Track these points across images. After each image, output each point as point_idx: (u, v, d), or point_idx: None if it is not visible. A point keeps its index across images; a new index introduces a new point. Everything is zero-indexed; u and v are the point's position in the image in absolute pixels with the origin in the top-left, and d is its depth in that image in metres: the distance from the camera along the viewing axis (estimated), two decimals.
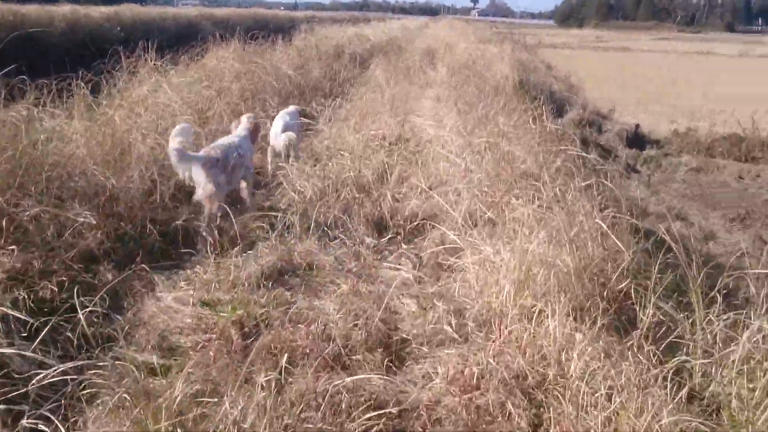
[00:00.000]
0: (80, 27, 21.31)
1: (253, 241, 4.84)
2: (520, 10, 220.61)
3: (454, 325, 3.50)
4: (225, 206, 4.74)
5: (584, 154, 5.89)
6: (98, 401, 2.79)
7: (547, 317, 3.24)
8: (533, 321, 3.26)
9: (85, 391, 2.81)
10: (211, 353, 3.10)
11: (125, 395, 2.67)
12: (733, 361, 2.89)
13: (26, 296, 3.44)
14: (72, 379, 2.79)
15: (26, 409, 2.70)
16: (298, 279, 4.18)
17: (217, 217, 4.83)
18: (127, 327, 3.47)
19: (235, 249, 4.35)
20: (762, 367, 2.90)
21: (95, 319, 3.33)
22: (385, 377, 3.02)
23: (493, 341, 3.23)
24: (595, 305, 3.35)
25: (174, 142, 4.63)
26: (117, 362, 3.03)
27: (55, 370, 2.77)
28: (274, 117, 7.07)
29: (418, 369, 3.21)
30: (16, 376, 2.86)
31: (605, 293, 3.57)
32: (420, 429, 2.82)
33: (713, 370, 2.87)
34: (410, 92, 10.23)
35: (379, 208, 5.40)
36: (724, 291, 3.63)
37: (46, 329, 3.05)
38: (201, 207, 5.15)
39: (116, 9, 26.29)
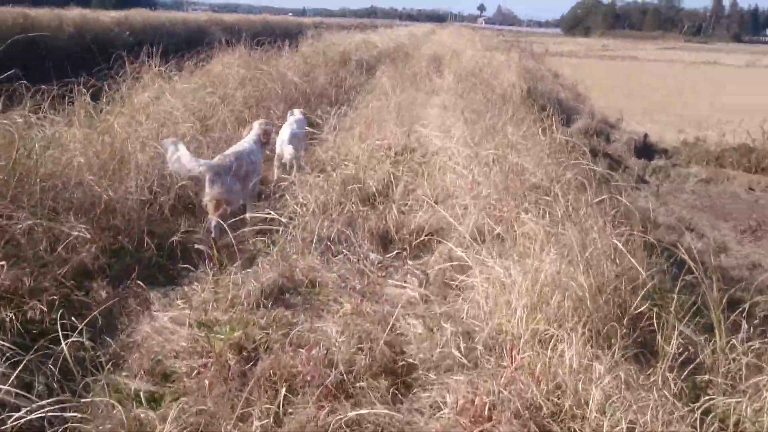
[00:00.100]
0: (89, 31, 21.24)
1: (254, 255, 4.69)
2: (526, 18, 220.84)
3: (462, 349, 3.32)
4: (221, 222, 4.58)
5: (595, 168, 5.70)
6: None
7: (562, 342, 3.07)
8: (548, 347, 3.08)
9: (72, 424, 2.63)
10: (207, 381, 2.93)
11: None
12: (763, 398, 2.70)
13: (14, 317, 3.26)
14: (54, 417, 2.61)
15: None
16: (299, 297, 4.01)
17: (220, 230, 4.76)
18: (119, 350, 3.30)
19: (235, 265, 4.18)
20: None
21: (86, 342, 3.15)
22: (390, 410, 2.83)
23: (505, 368, 3.05)
24: (612, 330, 3.17)
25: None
26: (103, 398, 2.83)
27: (30, 411, 2.58)
28: (280, 125, 6.91)
29: (425, 397, 3.03)
30: None
31: (622, 316, 3.40)
32: None
33: (744, 408, 2.68)
34: (416, 99, 10.06)
35: (384, 222, 5.23)
36: (740, 307, 3.47)
37: (28, 357, 2.86)
38: (202, 219, 5.01)
39: (126, 13, 26.32)
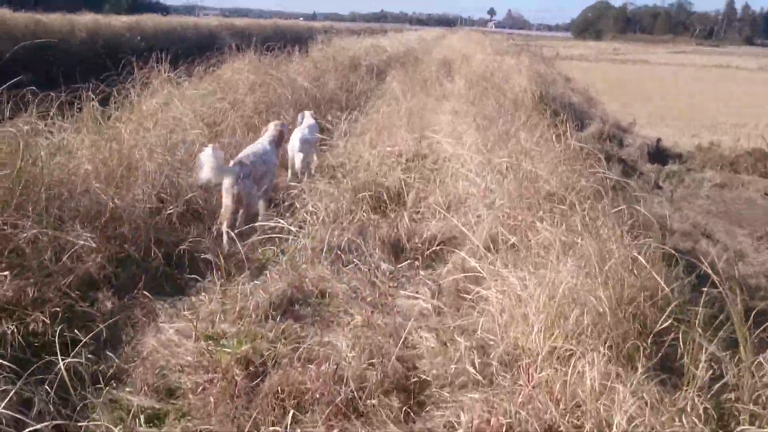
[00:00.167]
0: (101, 36, 21.30)
1: (263, 264, 4.60)
2: (536, 22, 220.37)
3: (477, 364, 3.20)
4: (230, 233, 4.50)
5: (611, 175, 5.57)
6: None
7: (581, 358, 2.95)
8: (567, 364, 2.96)
9: None
10: (212, 399, 2.83)
11: None
12: None
13: (15, 329, 3.18)
14: None
15: None
16: (309, 309, 3.91)
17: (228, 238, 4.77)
18: (123, 364, 3.20)
19: (243, 275, 4.08)
20: None
21: (84, 360, 3.05)
22: (402, 430, 2.72)
23: (522, 386, 2.94)
24: (634, 346, 3.04)
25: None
26: (101, 421, 2.73)
27: None
28: (291, 130, 6.83)
29: (438, 416, 2.92)
30: None
31: (643, 331, 3.27)
32: None
33: None
34: (427, 105, 9.96)
35: (395, 230, 5.12)
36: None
37: (27, 374, 2.76)
38: (210, 227, 4.93)
39: (138, 18, 26.37)
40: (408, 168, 6.36)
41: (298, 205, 5.00)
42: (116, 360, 3.20)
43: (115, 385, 3.03)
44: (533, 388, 2.89)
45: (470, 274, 4.11)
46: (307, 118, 7.15)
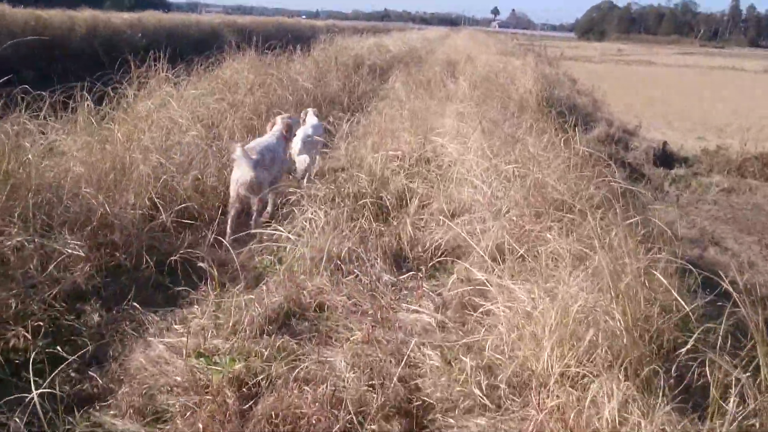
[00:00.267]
0: (101, 33, 21.13)
1: (260, 272, 4.42)
2: (540, 22, 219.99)
3: (484, 386, 3.02)
4: (225, 241, 4.33)
5: (621, 183, 5.37)
6: None
7: (594, 380, 2.76)
8: (580, 388, 2.77)
9: None
10: (201, 424, 2.64)
11: None
12: None
13: None
14: None
15: None
16: (306, 323, 3.72)
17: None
18: (109, 383, 3.02)
19: (238, 287, 3.89)
20: None
21: (73, 374, 2.87)
22: None
23: (532, 411, 2.75)
24: (653, 371, 2.85)
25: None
26: None
27: None
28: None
29: None
30: None
31: (658, 351, 3.08)
32: None
33: None
34: (430, 107, 9.75)
35: (398, 238, 4.94)
36: None
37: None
38: (206, 234, 4.74)
39: (139, 15, 26.19)
40: (411, 173, 6.16)
41: (296, 212, 4.81)
42: (100, 380, 3.00)
43: (98, 407, 2.85)
44: (545, 414, 2.70)
45: (476, 287, 3.92)
46: (311, 117, 6.95)
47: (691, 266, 3.80)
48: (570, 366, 2.89)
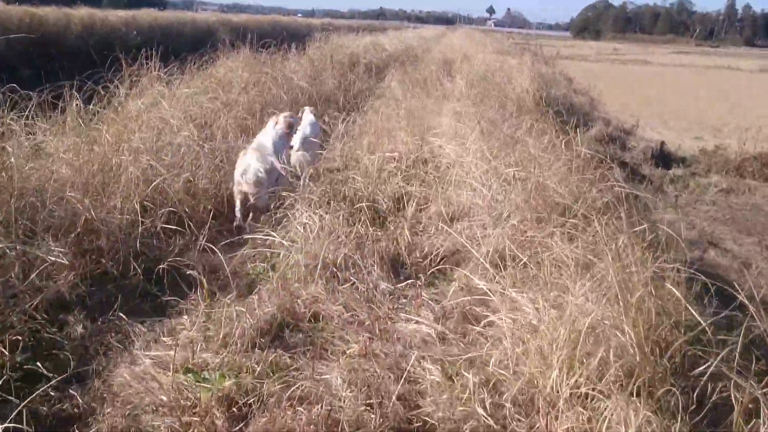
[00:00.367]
0: (96, 31, 20.92)
1: (252, 279, 4.25)
2: (536, 21, 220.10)
3: (488, 405, 2.86)
4: (215, 248, 4.16)
5: (625, 187, 5.22)
6: None
7: (604, 400, 2.61)
8: (591, 408, 2.62)
9: None
10: None
11: None
12: None
13: None
14: None
15: None
16: (301, 335, 3.55)
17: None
18: (91, 402, 2.85)
19: (229, 296, 3.72)
20: None
21: (52, 393, 2.70)
22: None
23: None
24: (668, 391, 2.69)
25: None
26: None
27: None
28: None
29: None
30: None
31: (672, 366, 2.93)
32: None
33: None
34: (427, 106, 9.59)
35: (395, 243, 4.78)
36: None
37: None
38: (197, 238, 4.57)
39: (134, 13, 26.00)
40: (408, 175, 6.00)
41: (291, 216, 4.63)
42: (81, 400, 2.83)
43: (78, 428, 2.67)
44: None
45: (478, 297, 3.76)
46: (307, 115, 6.79)
47: (702, 275, 3.66)
48: (580, 385, 2.73)
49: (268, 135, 5.79)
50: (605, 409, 2.60)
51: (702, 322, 2.93)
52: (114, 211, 4.37)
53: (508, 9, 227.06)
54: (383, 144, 6.96)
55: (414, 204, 5.32)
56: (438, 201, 5.41)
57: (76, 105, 5.58)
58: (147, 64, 7.49)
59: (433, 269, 4.38)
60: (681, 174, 11.86)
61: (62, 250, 3.73)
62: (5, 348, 2.99)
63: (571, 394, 2.74)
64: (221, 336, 3.33)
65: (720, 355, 2.78)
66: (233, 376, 2.98)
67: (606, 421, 2.50)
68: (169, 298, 3.79)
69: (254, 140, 5.86)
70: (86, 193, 4.34)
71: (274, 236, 4.35)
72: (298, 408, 2.73)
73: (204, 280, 3.65)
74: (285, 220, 4.64)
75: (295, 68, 11.32)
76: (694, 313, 2.98)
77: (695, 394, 2.74)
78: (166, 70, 7.70)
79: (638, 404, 2.55)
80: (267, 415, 2.69)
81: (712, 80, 33.04)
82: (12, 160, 4.14)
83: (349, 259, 4.26)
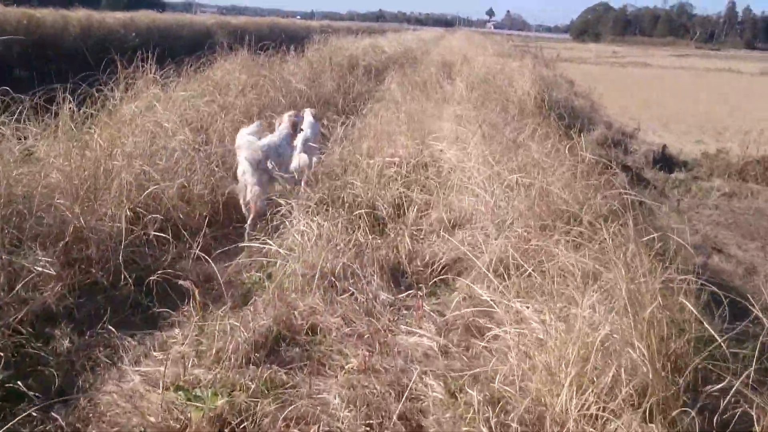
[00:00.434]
0: (94, 33, 20.81)
1: (248, 289, 4.11)
2: (535, 23, 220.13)
3: (493, 425, 2.72)
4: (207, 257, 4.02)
5: (632, 193, 5.08)
6: None
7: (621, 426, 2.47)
8: (599, 429, 2.48)
9: None
10: None
11: None
12: None
13: None
14: None
15: None
16: (297, 349, 3.40)
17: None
18: (76, 422, 2.71)
19: (223, 308, 3.58)
20: None
21: (35, 413, 2.56)
22: None
23: None
24: (683, 411, 2.55)
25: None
26: None
27: None
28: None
29: None
30: None
31: (689, 386, 2.79)
32: None
33: None
34: (427, 109, 9.46)
35: (395, 251, 4.64)
36: None
37: None
38: (191, 245, 4.43)
39: (132, 15, 25.83)
40: (408, 181, 5.85)
41: (288, 224, 4.49)
42: (63, 422, 2.69)
43: None
44: None
45: (481, 309, 3.62)
46: (308, 116, 6.65)
47: (711, 285, 3.52)
48: (590, 405, 2.59)
49: (274, 135, 5.71)
50: (616, 430, 2.46)
51: (718, 337, 2.79)
52: (105, 219, 4.23)
53: (508, 11, 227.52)
54: (383, 148, 6.82)
55: (414, 210, 5.19)
56: (439, 207, 5.28)
57: (69, 108, 5.44)
58: (143, 66, 7.36)
59: (435, 279, 4.24)
60: (683, 178, 11.77)
61: (50, 259, 3.59)
62: None
63: (580, 413, 2.60)
64: (214, 351, 3.19)
65: (737, 372, 2.64)
66: (226, 395, 2.85)
67: None
68: (160, 309, 3.66)
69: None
70: (76, 199, 4.19)
71: (270, 244, 4.21)
72: (294, 430, 2.59)
73: (196, 292, 3.49)
74: (282, 227, 4.49)
75: (294, 71, 11.20)
76: (709, 328, 2.84)
77: (713, 416, 2.60)
78: (162, 72, 7.57)
79: (652, 426, 2.41)
80: None
81: (712, 83, 32.95)
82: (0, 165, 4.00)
83: (347, 268, 4.11)
